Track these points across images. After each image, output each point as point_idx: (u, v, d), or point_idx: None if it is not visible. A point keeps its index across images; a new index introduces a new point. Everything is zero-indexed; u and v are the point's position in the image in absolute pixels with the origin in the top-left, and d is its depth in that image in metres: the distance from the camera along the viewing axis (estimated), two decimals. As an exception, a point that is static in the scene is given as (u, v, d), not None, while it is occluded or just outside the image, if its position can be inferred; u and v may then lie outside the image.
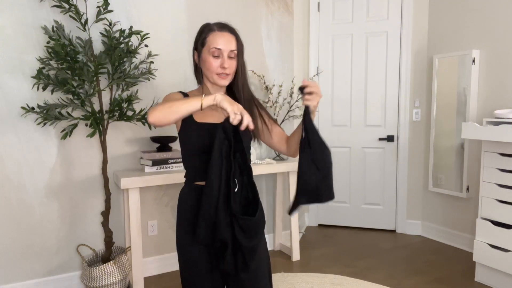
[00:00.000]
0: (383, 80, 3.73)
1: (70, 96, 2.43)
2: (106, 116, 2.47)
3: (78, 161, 2.62)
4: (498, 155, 2.59)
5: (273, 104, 3.22)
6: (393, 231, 3.85)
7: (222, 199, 1.22)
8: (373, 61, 3.74)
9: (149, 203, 2.88)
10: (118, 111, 2.45)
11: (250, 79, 1.48)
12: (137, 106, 2.74)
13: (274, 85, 3.31)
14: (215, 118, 1.37)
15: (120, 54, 2.39)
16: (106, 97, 2.58)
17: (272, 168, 2.99)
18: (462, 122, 2.90)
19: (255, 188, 1.29)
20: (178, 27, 2.90)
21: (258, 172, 2.90)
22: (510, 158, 2.51)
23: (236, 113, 1.14)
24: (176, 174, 2.58)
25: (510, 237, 2.49)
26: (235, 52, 1.36)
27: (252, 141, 1.44)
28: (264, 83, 3.24)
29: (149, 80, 2.67)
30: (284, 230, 3.48)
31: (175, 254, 2.99)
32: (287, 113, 3.36)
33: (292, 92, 3.37)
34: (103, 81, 2.55)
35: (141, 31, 2.52)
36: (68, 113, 2.43)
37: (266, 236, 3.30)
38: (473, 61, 3.14)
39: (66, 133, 2.38)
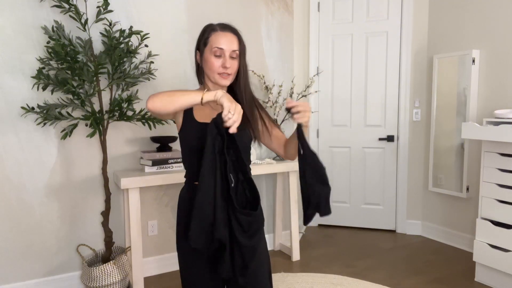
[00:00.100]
0: (383, 80, 3.73)
1: (70, 96, 2.43)
2: (106, 116, 2.47)
3: (78, 161, 2.62)
4: (498, 155, 2.59)
5: (273, 104, 3.22)
6: (393, 231, 3.85)
7: (219, 196, 1.20)
8: (373, 61, 3.74)
9: (149, 203, 2.88)
10: (118, 111, 2.45)
11: (250, 79, 1.48)
12: (137, 106, 2.74)
13: (274, 85, 3.31)
14: None
15: (120, 54, 2.39)
16: (106, 97, 2.58)
17: (272, 168, 2.99)
18: (462, 122, 2.90)
19: (253, 184, 1.27)
20: (178, 27, 2.90)
21: (258, 172, 2.90)
22: (510, 158, 2.51)
23: (230, 112, 1.14)
24: (176, 174, 2.58)
25: (510, 237, 2.49)
26: (237, 52, 1.36)
27: (252, 142, 1.44)
28: (264, 83, 3.24)
29: (149, 80, 2.67)
30: (284, 230, 3.48)
31: (175, 254, 2.99)
32: (287, 113, 3.36)
33: (292, 92, 3.37)
34: (103, 81, 2.55)
35: (141, 31, 2.52)
36: (68, 113, 2.43)
37: (266, 236, 3.30)
38: (473, 61, 3.14)
39: (66, 133, 2.38)
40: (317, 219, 4.03)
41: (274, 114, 3.24)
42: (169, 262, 2.98)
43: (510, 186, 2.52)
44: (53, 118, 2.36)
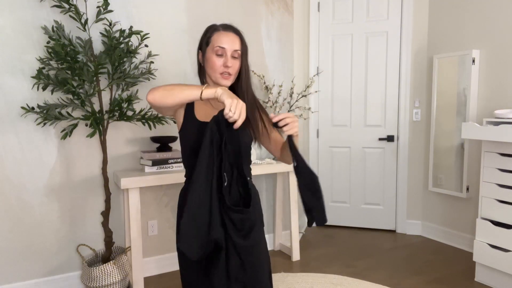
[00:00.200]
0: (383, 80, 3.73)
1: (70, 96, 2.43)
2: (106, 116, 2.47)
3: (78, 161, 2.62)
4: (498, 155, 2.59)
5: (273, 104, 3.22)
6: (393, 231, 3.85)
7: (215, 195, 1.20)
8: (373, 61, 3.74)
9: (149, 203, 2.88)
10: (118, 111, 2.45)
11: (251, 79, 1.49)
12: (137, 106, 2.74)
13: (274, 85, 3.31)
14: None
15: (120, 54, 2.39)
16: (106, 97, 2.58)
17: (272, 168, 2.99)
18: (462, 122, 2.90)
19: (245, 182, 1.27)
20: (178, 27, 2.90)
21: (258, 172, 2.90)
22: (510, 158, 2.51)
23: (231, 110, 1.14)
24: (176, 174, 2.58)
25: (510, 237, 2.49)
26: (239, 52, 1.37)
27: (253, 142, 1.45)
28: (264, 83, 3.24)
29: (149, 80, 2.66)
30: (284, 230, 3.48)
31: (175, 254, 2.99)
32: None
33: (292, 92, 3.37)
34: (103, 81, 2.55)
35: (141, 31, 2.52)
36: (68, 113, 2.43)
37: (266, 236, 3.30)
38: (473, 61, 3.14)
39: (66, 133, 2.38)
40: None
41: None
42: (169, 262, 2.98)
43: (510, 186, 2.52)
44: (53, 118, 2.36)
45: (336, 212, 3.98)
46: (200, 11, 2.98)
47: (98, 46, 2.55)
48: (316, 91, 3.85)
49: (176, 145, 2.88)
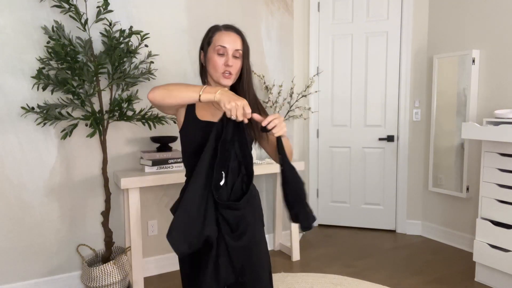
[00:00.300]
0: (383, 80, 3.73)
1: (70, 96, 2.43)
2: (106, 116, 2.47)
3: (78, 161, 2.62)
4: (498, 155, 2.59)
5: (273, 104, 3.22)
6: (393, 231, 3.85)
7: (212, 193, 1.22)
8: (373, 61, 3.75)
9: (149, 203, 2.88)
10: (118, 111, 2.45)
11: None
12: (137, 106, 2.74)
13: (274, 85, 3.31)
14: (218, 117, 1.37)
15: (120, 54, 2.39)
16: (106, 97, 2.58)
17: (272, 168, 2.99)
18: (462, 122, 2.90)
19: (251, 179, 1.28)
20: (178, 27, 2.90)
21: (258, 172, 2.90)
22: (510, 158, 2.51)
23: (232, 116, 1.16)
24: (176, 174, 2.58)
25: (510, 237, 2.49)
26: (240, 52, 1.37)
27: (253, 143, 1.45)
28: (264, 83, 3.24)
29: (149, 80, 2.66)
30: (284, 230, 3.48)
31: (175, 254, 2.98)
32: (287, 113, 3.36)
33: (292, 92, 3.37)
34: (103, 81, 2.55)
35: (141, 31, 2.52)
36: (68, 113, 2.43)
37: (266, 236, 3.30)
38: (473, 61, 3.14)
39: (66, 133, 2.38)
40: (317, 219, 4.03)
41: (274, 114, 3.23)
42: (169, 262, 2.98)
43: (510, 186, 2.52)
44: (53, 118, 2.36)
45: (336, 212, 3.98)
46: (200, 11, 2.98)
47: (98, 46, 2.55)
48: (316, 91, 3.85)
49: (176, 145, 2.88)
